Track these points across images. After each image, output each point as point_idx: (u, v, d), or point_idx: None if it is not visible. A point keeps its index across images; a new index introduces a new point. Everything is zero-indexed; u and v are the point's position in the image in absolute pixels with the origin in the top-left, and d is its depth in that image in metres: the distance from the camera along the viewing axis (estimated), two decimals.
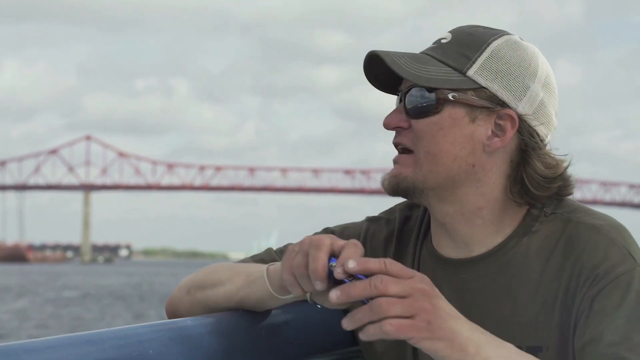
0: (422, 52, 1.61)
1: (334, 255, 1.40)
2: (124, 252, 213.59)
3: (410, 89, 1.57)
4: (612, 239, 1.51)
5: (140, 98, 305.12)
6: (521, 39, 1.62)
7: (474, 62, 1.56)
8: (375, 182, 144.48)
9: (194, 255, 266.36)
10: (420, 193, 1.58)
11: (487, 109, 1.55)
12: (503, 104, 1.55)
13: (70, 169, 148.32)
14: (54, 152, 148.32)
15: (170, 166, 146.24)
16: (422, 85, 1.55)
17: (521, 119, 1.56)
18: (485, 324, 1.43)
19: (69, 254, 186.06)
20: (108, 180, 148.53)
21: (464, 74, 1.56)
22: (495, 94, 1.55)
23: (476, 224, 1.59)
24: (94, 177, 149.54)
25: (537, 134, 1.57)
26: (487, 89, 1.55)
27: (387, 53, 1.57)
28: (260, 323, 1.59)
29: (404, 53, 1.59)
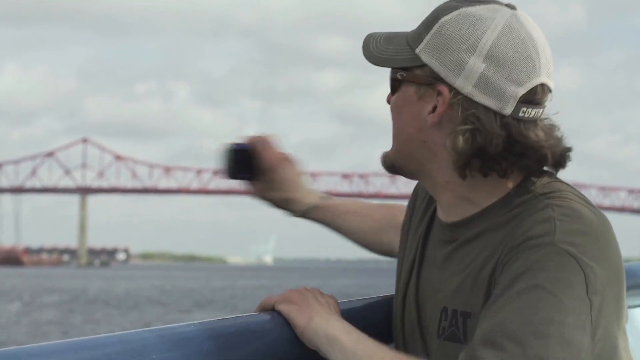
0: (410, 32, 1.64)
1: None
2: (121, 256, 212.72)
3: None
4: (553, 217, 1.47)
5: (140, 102, 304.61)
6: (502, 7, 1.58)
7: (422, 40, 1.58)
8: (374, 186, 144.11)
9: (192, 259, 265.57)
10: (400, 171, 1.66)
11: (429, 86, 1.57)
12: (441, 80, 1.56)
13: (67, 172, 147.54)
14: (50, 154, 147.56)
15: (168, 169, 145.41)
16: (380, 65, 1.62)
17: (460, 93, 1.55)
18: (448, 284, 1.58)
19: (66, 257, 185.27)
20: (105, 183, 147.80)
21: (414, 51, 1.59)
22: (435, 70, 1.57)
23: (450, 196, 1.62)
24: (91, 180, 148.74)
25: (485, 107, 1.53)
26: (428, 65, 1.57)
27: (372, 34, 1.66)
28: (264, 327, 1.59)
29: (390, 33, 1.65)
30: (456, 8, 1.58)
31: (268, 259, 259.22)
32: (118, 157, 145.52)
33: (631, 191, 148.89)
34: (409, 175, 1.66)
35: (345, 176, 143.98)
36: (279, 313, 1.60)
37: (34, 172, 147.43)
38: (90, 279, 74.87)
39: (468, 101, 1.54)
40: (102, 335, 1.36)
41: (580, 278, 1.40)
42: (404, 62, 1.60)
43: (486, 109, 1.53)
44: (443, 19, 1.58)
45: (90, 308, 35.19)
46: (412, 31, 1.62)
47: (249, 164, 1.95)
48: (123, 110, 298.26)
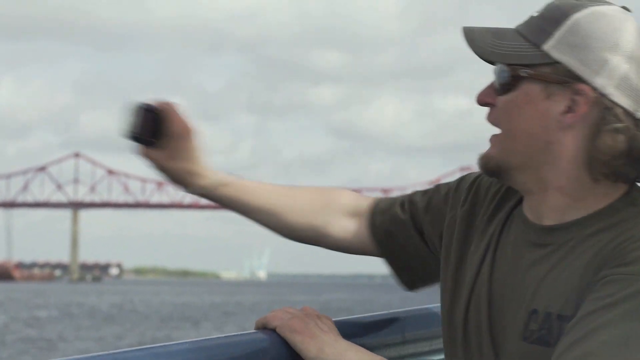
0: (518, 27, 1.58)
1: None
2: (114, 271, 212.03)
3: (495, 64, 1.57)
4: None
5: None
6: (624, 10, 1.57)
7: (551, 36, 1.54)
8: None
9: (185, 274, 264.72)
10: (505, 173, 1.59)
11: (562, 84, 1.53)
12: (578, 79, 1.52)
13: (59, 187, 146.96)
14: (42, 169, 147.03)
15: (160, 184, 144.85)
16: (497, 61, 1.56)
17: (599, 93, 1.51)
18: (537, 286, 1.53)
19: (58, 272, 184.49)
20: (97, 198, 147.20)
21: (539, 48, 1.54)
22: (571, 69, 1.52)
23: (556, 200, 1.57)
24: (83, 195, 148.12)
25: (622, 108, 1.51)
26: (562, 63, 1.52)
27: (471, 28, 1.59)
28: (260, 346, 1.59)
29: (491, 28, 1.60)
30: (586, 6, 1.54)
31: (262, 274, 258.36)
32: (110, 172, 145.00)
33: None
34: (510, 177, 1.59)
35: None
36: (275, 332, 1.60)
37: (25, 187, 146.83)
38: (78, 294, 74.25)
39: (608, 101, 1.51)
40: (96, 354, 1.36)
41: None
42: (529, 58, 1.54)
43: (624, 110, 1.51)
44: (576, 16, 1.53)
45: (71, 323, 34.62)
46: (526, 27, 1.56)
47: (155, 127, 1.78)
48: (118, 124, 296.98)
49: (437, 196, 1.80)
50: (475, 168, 1.66)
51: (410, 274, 1.83)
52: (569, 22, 1.54)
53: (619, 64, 1.52)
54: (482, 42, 1.57)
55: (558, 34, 1.53)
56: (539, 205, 1.59)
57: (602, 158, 1.51)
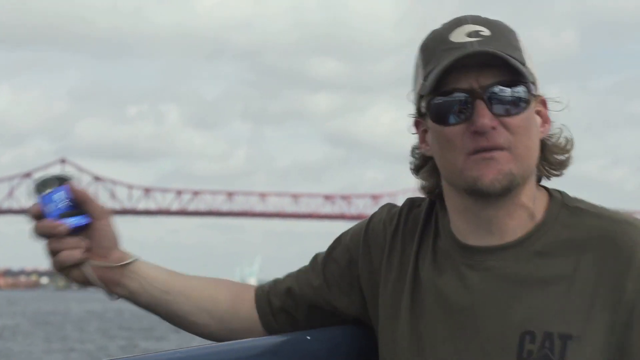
0: (480, 45, 1.56)
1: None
2: None
3: (491, 87, 1.55)
4: None
5: (131, 124, 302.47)
6: None
7: (523, 52, 1.59)
8: (356, 208, 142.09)
9: None
10: (514, 189, 1.58)
11: (535, 97, 1.60)
12: (535, 90, 1.60)
13: None
14: (27, 175, 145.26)
15: (147, 191, 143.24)
16: (515, 80, 1.56)
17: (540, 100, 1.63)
18: (514, 309, 1.54)
19: (45, 279, 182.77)
20: None
21: (524, 65, 1.57)
22: (535, 82, 1.60)
23: (519, 215, 1.60)
24: None
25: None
26: (534, 77, 1.60)
27: (491, 50, 1.56)
28: (251, 354, 1.63)
29: (469, 43, 1.58)
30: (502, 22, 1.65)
31: (253, 281, 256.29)
32: (96, 178, 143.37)
33: None
34: (517, 193, 1.59)
35: (328, 197, 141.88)
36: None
37: (10, 193, 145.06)
38: (58, 301, 72.66)
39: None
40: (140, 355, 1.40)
41: None
42: (531, 76, 1.58)
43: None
44: (515, 31, 1.62)
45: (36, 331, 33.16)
46: (500, 46, 1.56)
47: (75, 206, 1.72)
48: (114, 132, 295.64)
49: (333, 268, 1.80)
50: None
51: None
52: (519, 37, 1.61)
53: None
54: (514, 62, 1.55)
55: (523, 49, 1.60)
56: (494, 224, 1.60)
57: (549, 165, 1.64)
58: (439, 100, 1.57)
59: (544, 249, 1.57)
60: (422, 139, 1.67)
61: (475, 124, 1.53)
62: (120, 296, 1.78)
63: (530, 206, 1.60)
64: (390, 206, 1.80)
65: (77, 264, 1.72)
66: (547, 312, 1.53)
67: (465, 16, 1.62)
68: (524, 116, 1.56)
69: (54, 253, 1.70)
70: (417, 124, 1.68)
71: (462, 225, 1.63)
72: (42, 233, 1.70)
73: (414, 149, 1.72)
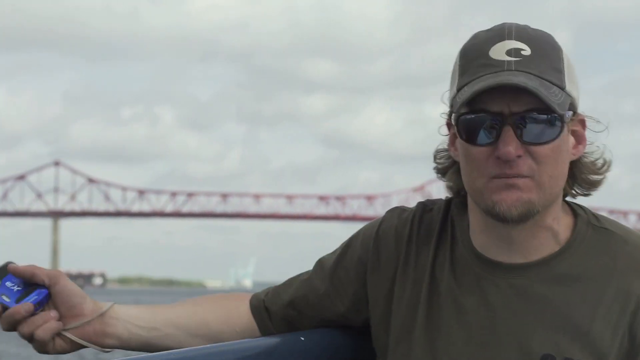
0: (517, 67, 1.53)
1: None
2: (98, 281, 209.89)
3: (524, 114, 1.52)
4: None
5: (126, 126, 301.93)
6: None
7: (564, 75, 1.55)
8: (350, 208, 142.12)
9: (170, 283, 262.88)
10: (533, 216, 1.56)
11: (571, 120, 1.57)
12: (574, 109, 1.57)
13: (39, 196, 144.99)
14: (21, 178, 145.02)
15: (141, 192, 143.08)
16: (549, 108, 1.51)
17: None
18: (537, 330, 1.52)
19: None
20: (77, 206, 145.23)
21: (563, 89, 1.54)
22: (574, 102, 1.56)
23: (543, 236, 1.59)
24: (63, 204, 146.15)
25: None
26: (573, 99, 1.56)
27: (526, 83, 1.51)
28: (248, 355, 1.64)
29: (507, 62, 1.54)
30: (554, 39, 1.60)
31: (247, 283, 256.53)
32: (90, 180, 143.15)
33: (612, 211, 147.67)
34: (537, 218, 1.57)
35: (322, 198, 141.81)
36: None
37: (4, 196, 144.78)
38: None
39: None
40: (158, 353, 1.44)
41: None
42: (566, 103, 1.55)
43: None
44: (561, 47, 1.57)
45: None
46: (539, 69, 1.53)
47: (27, 285, 1.69)
48: (108, 134, 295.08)
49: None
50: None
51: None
52: (563, 56, 1.56)
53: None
54: (546, 92, 1.51)
55: (565, 70, 1.55)
56: (517, 243, 1.58)
57: (578, 184, 1.62)
58: (468, 117, 1.55)
59: (570, 271, 1.54)
60: (452, 142, 1.65)
61: (500, 151, 1.51)
62: (111, 347, 1.71)
63: (554, 227, 1.58)
64: (400, 210, 1.75)
65: (57, 335, 1.66)
66: (569, 337, 1.51)
67: (510, 27, 1.57)
68: (553, 145, 1.52)
69: (29, 337, 1.65)
70: (448, 126, 1.66)
71: (483, 238, 1.61)
72: (10, 323, 1.65)
73: (438, 152, 1.70)
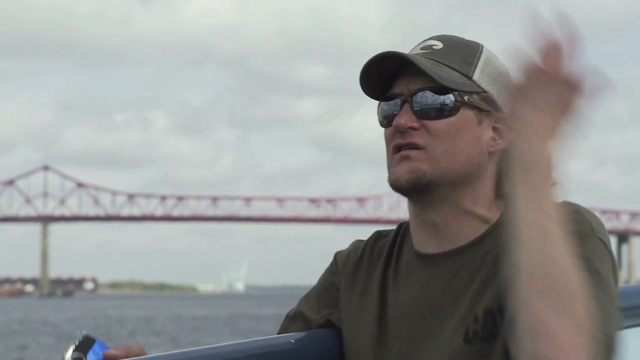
0: (423, 56, 1.66)
1: None
2: (89, 286, 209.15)
3: (418, 92, 1.64)
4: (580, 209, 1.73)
5: (118, 132, 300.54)
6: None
7: (475, 67, 1.67)
8: (341, 211, 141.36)
9: (162, 287, 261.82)
10: (433, 189, 1.63)
11: (488, 112, 1.66)
12: (498, 108, 1.67)
13: (28, 201, 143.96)
14: (10, 183, 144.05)
15: (131, 196, 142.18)
16: (443, 87, 1.63)
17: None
18: (464, 298, 1.62)
19: (29, 287, 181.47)
20: (66, 211, 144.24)
21: (469, 78, 1.66)
22: (493, 99, 1.67)
23: (467, 220, 1.67)
24: (53, 209, 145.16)
25: None
26: (487, 93, 1.67)
27: (406, 54, 1.64)
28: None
29: (418, 55, 1.67)
30: (479, 43, 1.72)
31: (240, 286, 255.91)
32: (80, 185, 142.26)
33: (604, 212, 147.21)
34: (434, 197, 1.65)
35: (313, 201, 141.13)
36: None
37: None
38: (38, 308, 71.65)
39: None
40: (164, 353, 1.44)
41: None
42: (467, 86, 1.65)
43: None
44: (485, 51, 1.70)
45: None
46: (443, 58, 1.65)
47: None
48: (101, 140, 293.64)
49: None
50: None
51: None
52: (483, 56, 1.69)
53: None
54: (431, 68, 1.62)
55: (480, 65, 1.67)
56: (448, 231, 1.66)
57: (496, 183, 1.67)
58: (381, 104, 1.70)
59: (494, 249, 1.62)
60: None
61: (394, 122, 1.64)
62: None
63: (479, 212, 1.66)
64: (357, 241, 1.85)
65: None
66: (489, 294, 1.60)
67: (440, 34, 1.73)
68: (448, 122, 1.62)
69: None
70: None
71: (418, 234, 1.71)
72: None
73: None
